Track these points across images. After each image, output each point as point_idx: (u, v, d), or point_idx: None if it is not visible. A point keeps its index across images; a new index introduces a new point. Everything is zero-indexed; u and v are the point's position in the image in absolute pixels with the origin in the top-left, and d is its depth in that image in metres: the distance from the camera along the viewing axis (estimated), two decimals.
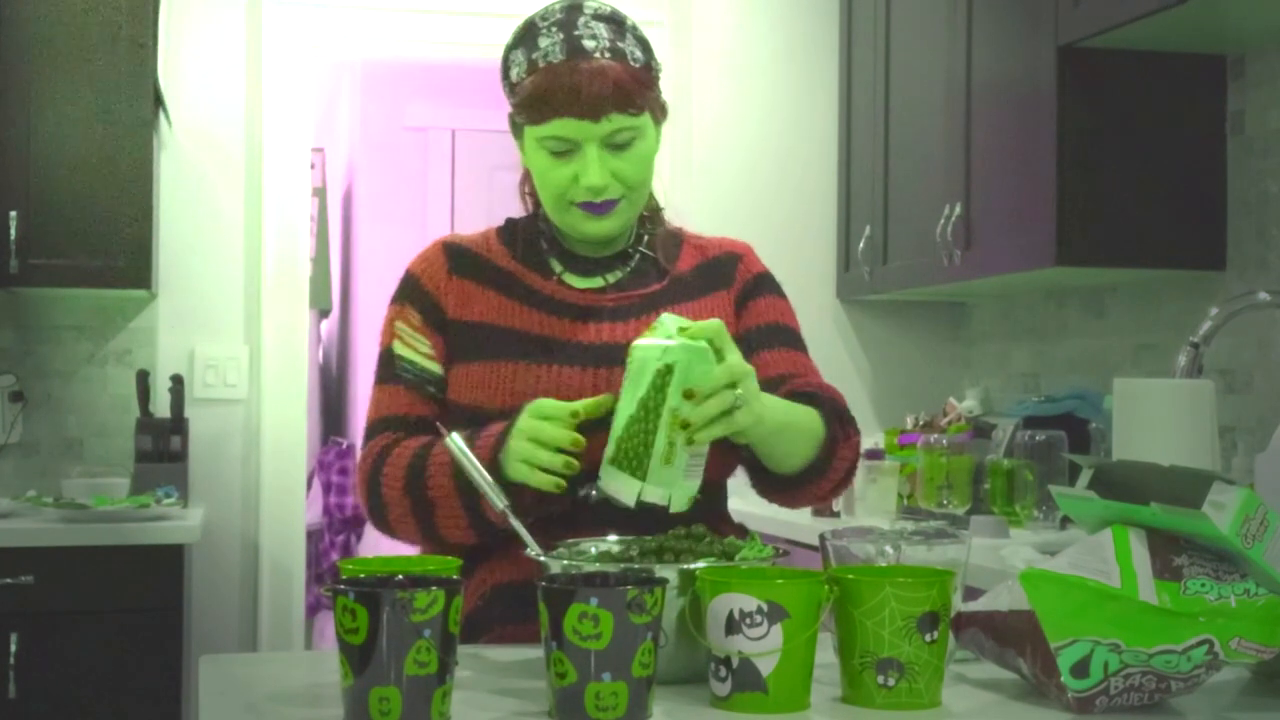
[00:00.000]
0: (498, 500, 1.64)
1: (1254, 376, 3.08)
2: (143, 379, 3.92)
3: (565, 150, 1.79)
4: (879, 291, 4.17)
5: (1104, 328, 3.66)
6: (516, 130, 1.86)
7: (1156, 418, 2.13)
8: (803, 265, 4.33)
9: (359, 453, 1.89)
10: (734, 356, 1.64)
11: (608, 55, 1.78)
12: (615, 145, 1.79)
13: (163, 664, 3.44)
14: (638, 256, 1.91)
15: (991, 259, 3.48)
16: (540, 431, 1.67)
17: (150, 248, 3.73)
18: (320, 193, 6.07)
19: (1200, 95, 3.18)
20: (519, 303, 1.86)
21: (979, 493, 3.41)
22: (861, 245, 4.15)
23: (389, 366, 1.89)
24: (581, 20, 1.80)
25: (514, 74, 1.82)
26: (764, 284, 1.96)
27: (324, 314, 6.43)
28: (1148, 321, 3.48)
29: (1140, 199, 3.17)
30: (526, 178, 1.95)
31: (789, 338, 1.94)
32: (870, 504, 3.62)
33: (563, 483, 1.66)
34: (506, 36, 1.86)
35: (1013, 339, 4.12)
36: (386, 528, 1.84)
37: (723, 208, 4.20)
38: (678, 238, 1.97)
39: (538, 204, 1.94)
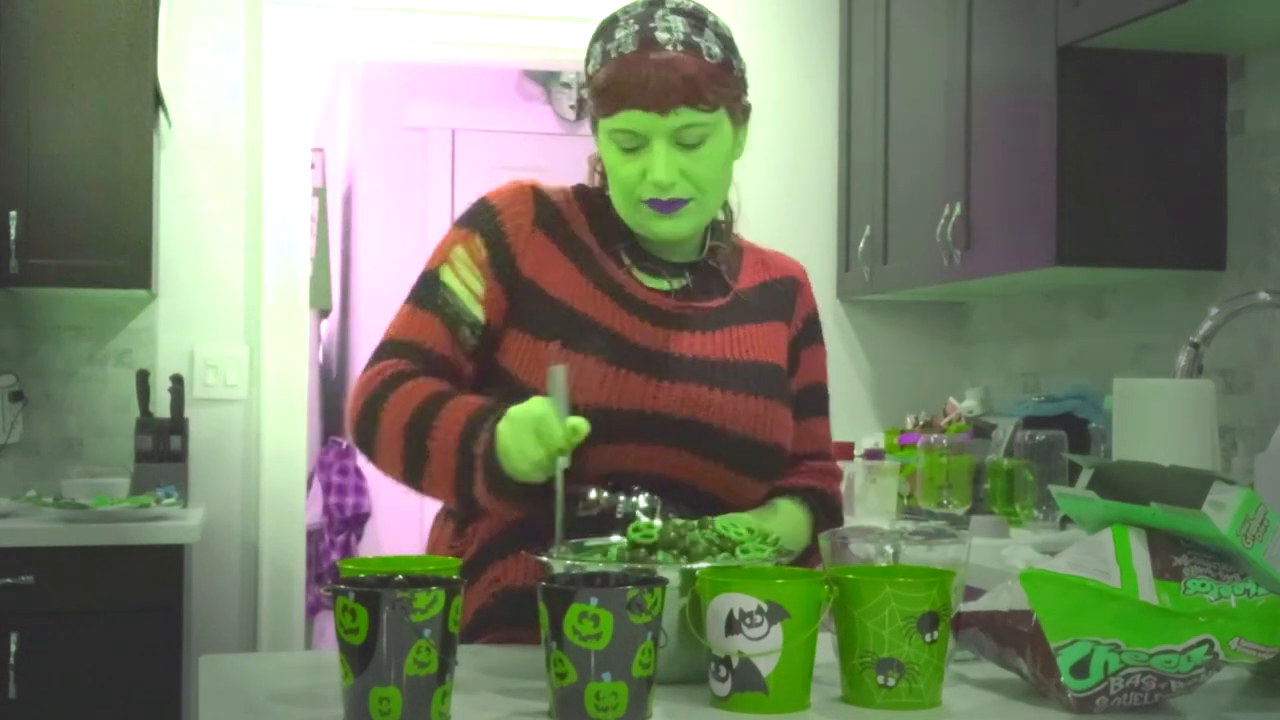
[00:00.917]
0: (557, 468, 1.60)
1: (1254, 376, 3.08)
2: (143, 379, 3.92)
3: (634, 145, 1.75)
4: (879, 291, 4.17)
5: (1104, 328, 3.66)
6: (591, 123, 1.82)
7: (1156, 418, 2.13)
8: (803, 265, 4.33)
9: (359, 375, 1.82)
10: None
11: (680, 48, 1.74)
12: (685, 143, 1.75)
13: (163, 664, 3.44)
14: (705, 269, 1.87)
15: (991, 259, 3.48)
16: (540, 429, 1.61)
17: (150, 248, 3.73)
18: (320, 193, 6.07)
19: (1200, 95, 3.18)
20: (596, 288, 1.80)
21: (979, 493, 3.41)
22: (861, 245, 4.15)
23: (430, 290, 1.80)
24: (660, 14, 1.77)
25: (590, 66, 1.79)
26: (814, 329, 1.97)
27: (324, 314, 6.43)
28: (1148, 321, 3.48)
29: (1140, 199, 3.17)
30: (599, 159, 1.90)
31: (820, 402, 1.97)
32: (870, 504, 3.62)
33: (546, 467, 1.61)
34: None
35: (1013, 339, 4.12)
36: (368, 450, 1.78)
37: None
38: (738, 249, 1.93)
39: (603, 181, 1.88)
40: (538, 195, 1.84)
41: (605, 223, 1.85)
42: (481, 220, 1.82)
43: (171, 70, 3.99)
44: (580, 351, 1.74)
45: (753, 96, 1.88)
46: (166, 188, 4.04)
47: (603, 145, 1.79)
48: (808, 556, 1.85)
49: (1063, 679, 1.35)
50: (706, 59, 1.76)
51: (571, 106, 6.40)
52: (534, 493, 1.65)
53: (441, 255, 1.82)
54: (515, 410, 1.64)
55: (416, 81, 6.32)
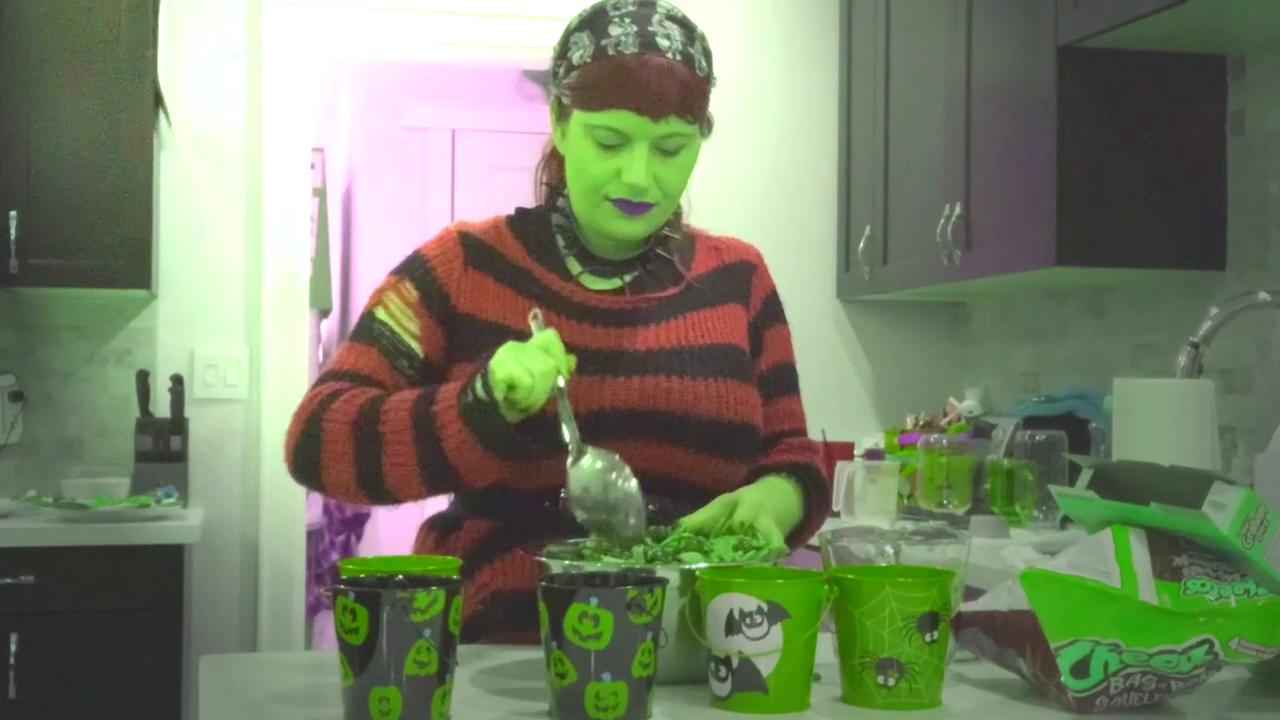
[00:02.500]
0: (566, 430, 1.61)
1: (1254, 376, 3.08)
2: (143, 379, 3.92)
3: (615, 144, 1.75)
4: (879, 291, 4.17)
5: (1104, 327, 3.66)
6: (561, 113, 1.82)
7: (1156, 418, 2.13)
8: (803, 265, 4.34)
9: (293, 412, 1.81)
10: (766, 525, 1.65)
11: (678, 57, 1.75)
12: (664, 150, 1.76)
13: (163, 664, 3.44)
14: (655, 258, 1.89)
15: (991, 259, 3.48)
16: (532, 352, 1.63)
17: (150, 248, 3.73)
18: (320, 193, 6.07)
19: (1200, 95, 3.18)
20: (535, 303, 1.81)
21: (979, 493, 3.41)
22: (861, 245, 4.15)
23: (366, 326, 1.84)
24: (655, 17, 1.77)
25: (576, 55, 1.77)
26: (774, 309, 1.97)
27: (324, 314, 6.43)
28: (1148, 321, 3.48)
29: (1140, 199, 3.17)
30: (546, 165, 1.92)
31: (789, 381, 1.97)
32: (870, 504, 3.62)
33: (541, 395, 1.61)
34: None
35: (1013, 339, 4.12)
36: (312, 469, 1.74)
37: (723, 208, 4.19)
38: (690, 238, 1.95)
39: (551, 194, 1.91)
40: (464, 238, 1.87)
41: (546, 241, 1.87)
42: (415, 270, 1.86)
43: (171, 70, 3.99)
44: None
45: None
46: (166, 188, 4.04)
47: (576, 138, 1.78)
48: (801, 531, 1.86)
49: (1063, 679, 1.35)
50: (697, 71, 1.77)
51: None
52: (515, 440, 1.64)
53: (375, 299, 1.86)
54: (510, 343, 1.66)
55: (416, 81, 6.33)
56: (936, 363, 4.46)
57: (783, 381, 1.96)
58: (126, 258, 3.68)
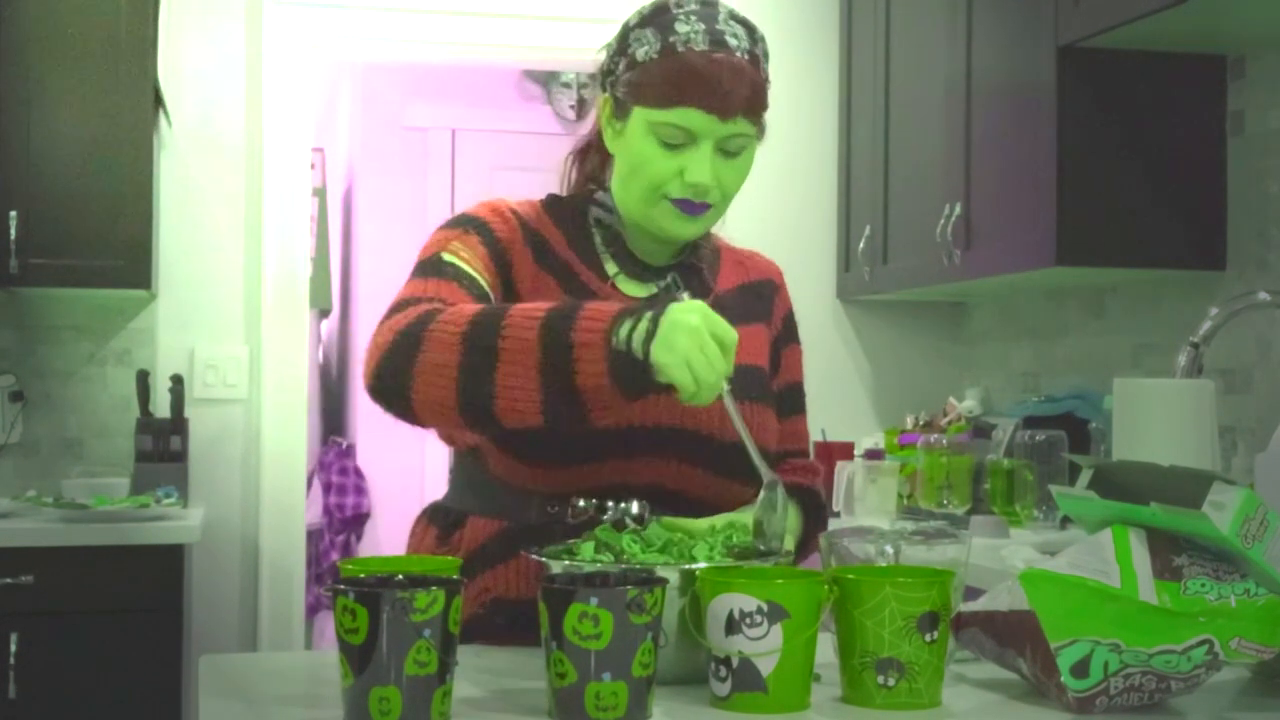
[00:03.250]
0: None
1: (1254, 376, 3.08)
2: (143, 379, 3.92)
3: (679, 142, 1.72)
4: (879, 291, 4.17)
5: (1104, 328, 3.66)
6: (618, 109, 1.77)
7: (1156, 418, 2.13)
8: (803, 265, 4.34)
9: (375, 330, 1.62)
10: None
11: (746, 57, 1.73)
12: (727, 151, 1.74)
13: (163, 664, 3.44)
14: (688, 267, 1.87)
15: (991, 259, 3.48)
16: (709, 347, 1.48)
17: (150, 248, 3.73)
18: (320, 193, 6.07)
19: (1200, 95, 3.18)
20: (575, 296, 1.76)
21: (979, 493, 3.41)
22: (861, 245, 4.15)
23: (435, 266, 1.70)
24: (721, 16, 1.75)
25: (640, 52, 1.74)
26: (791, 328, 1.97)
27: (324, 314, 6.44)
28: (1148, 321, 3.48)
29: (1140, 199, 3.17)
30: (581, 156, 1.88)
31: (798, 401, 1.97)
32: (870, 504, 3.62)
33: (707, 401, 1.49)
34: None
35: (1013, 339, 4.12)
36: (398, 386, 1.55)
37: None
38: (716, 249, 1.93)
39: (587, 184, 1.87)
40: (518, 215, 1.81)
41: (578, 234, 1.83)
42: (475, 225, 1.78)
43: (171, 70, 3.99)
44: None
45: None
46: (166, 188, 4.04)
47: (636, 135, 1.74)
48: (796, 554, 1.86)
49: (1063, 679, 1.35)
50: (762, 73, 1.76)
51: (571, 106, 6.40)
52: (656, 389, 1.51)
53: (440, 244, 1.74)
54: (681, 315, 1.48)
55: (416, 81, 6.33)
56: (936, 363, 4.46)
57: (792, 402, 1.95)
58: (126, 258, 3.68)
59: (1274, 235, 3.05)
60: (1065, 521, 3.16)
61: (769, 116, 1.79)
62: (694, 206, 1.75)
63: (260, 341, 4.14)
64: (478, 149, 6.44)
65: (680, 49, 1.71)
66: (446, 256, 1.71)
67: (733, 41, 1.72)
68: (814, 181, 4.41)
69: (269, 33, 4.15)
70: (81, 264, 3.66)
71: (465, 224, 1.78)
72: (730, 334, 1.49)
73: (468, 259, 1.71)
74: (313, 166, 4.61)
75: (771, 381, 1.90)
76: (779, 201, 4.37)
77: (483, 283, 1.70)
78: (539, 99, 6.49)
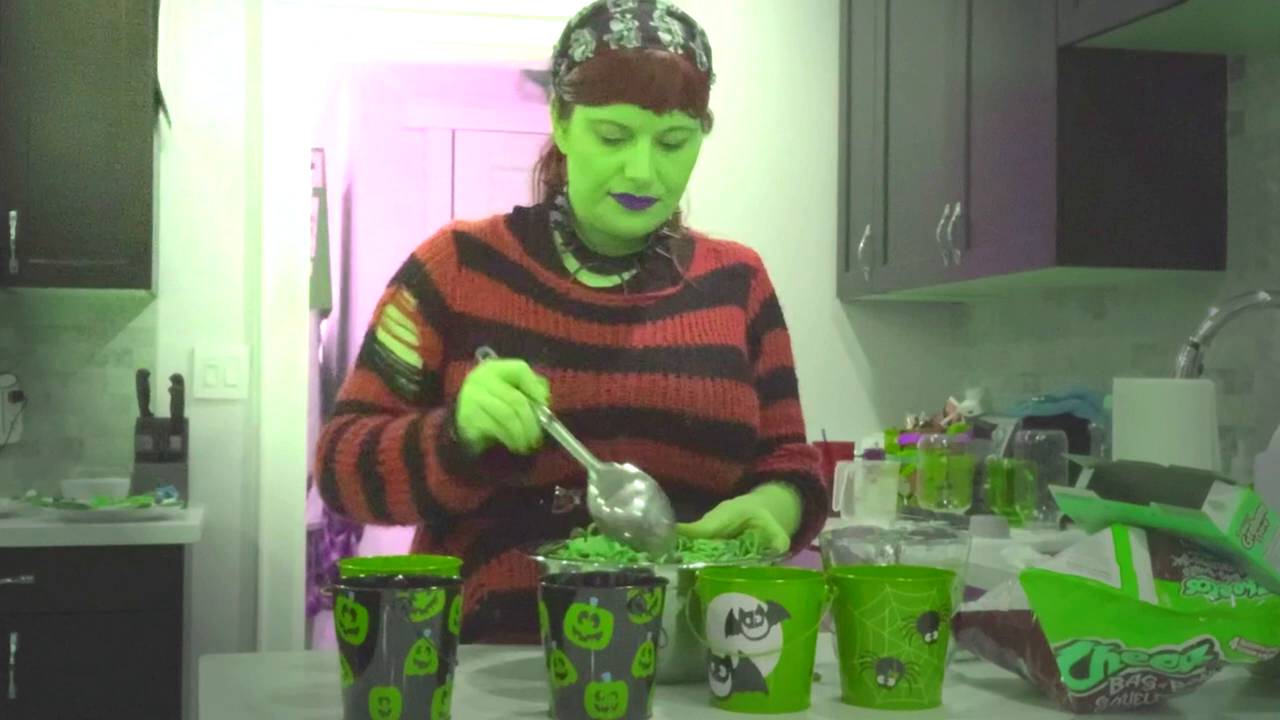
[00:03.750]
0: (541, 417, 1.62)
1: (1254, 376, 3.08)
2: (143, 379, 3.92)
3: (617, 138, 1.77)
4: (879, 291, 4.17)
5: (1104, 328, 3.66)
6: (563, 110, 1.83)
7: (1156, 418, 2.13)
8: (803, 265, 4.34)
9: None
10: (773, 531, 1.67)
11: (680, 51, 1.77)
12: (667, 144, 1.78)
13: (163, 664, 3.44)
14: (654, 257, 1.90)
15: (991, 259, 3.48)
16: (497, 387, 1.64)
17: (150, 248, 3.73)
18: (320, 193, 6.07)
19: (1200, 95, 3.18)
20: (533, 301, 1.83)
21: (979, 493, 3.41)
22: (861, 245, 4.15)
23: (368, 350, 1.88)
24: (656, 13, 1.79)
25: (578, 52, 1.79)
26: (772, 313, 1.98)
27: (324, 314, 6.43)
28: (1148, 321, 3.48)
29: (1140, 199, 3.17)
30: (545, 164, 1.94)
31: (788, 385, 1.98)
32: (870, 504, 3.62)
33: (533, 437, 1.63)
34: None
35: (1013, 339, 4.12)
36: (338, 504, 1.82)
37: (723, 207, 4.19)
38: (689, 240, 1.96)
39: (552, 193, 1.92)
40: (459, 237, 1.89)
41: (544, 239, 1.89)
42: (410, 275, 1.88)
43: (171, 70, 3.99)
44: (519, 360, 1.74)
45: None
46: (166, 188, 4.04)
47: (579, 134, 1.80)
48: (797, 540, 1.86)
49: (1063, 679, 1.35)
50: (698, 66, 1.79)
51: None
52: (492, 469, 1.68)
53: (377, 315, 1.89)
54: (467, 380, 1.68)
55: (416, 81, 6.33)
56: (936, 363, 4.46)
57: (781, 385, 1.96)
58: (126, 258, 3.68)
59: (1274, 235, 3.05)
60: (1065, 521, 3.16)
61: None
62: (636, 201, 1.79)
63: (260, 341, 4.14)
64: (478, 149, 6.44)
65: (613, 47, 1.76)
66: (380, 337, 1.86)
67: (665, 37, 1.76)
68: (814, 182, 4.41)
69: (269, 32, 4.15)
70: (81, 264, 3.66)
71: (405, 277, 1.88)
72: (514, 366, 1.64)
73: (399, 333, 1.84)
74: (313, 166, 4.61)
75: (752, 367, 1.91)
76: (779, 201, 4.37)
77: (406, 356, 1.84)
78: (539, 99, 6.48)
